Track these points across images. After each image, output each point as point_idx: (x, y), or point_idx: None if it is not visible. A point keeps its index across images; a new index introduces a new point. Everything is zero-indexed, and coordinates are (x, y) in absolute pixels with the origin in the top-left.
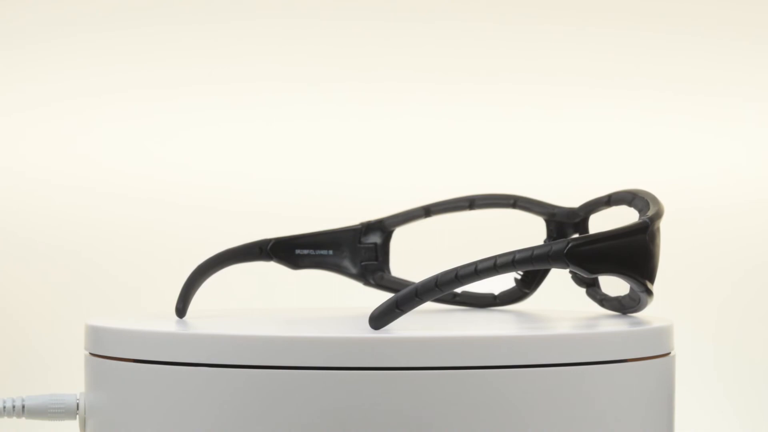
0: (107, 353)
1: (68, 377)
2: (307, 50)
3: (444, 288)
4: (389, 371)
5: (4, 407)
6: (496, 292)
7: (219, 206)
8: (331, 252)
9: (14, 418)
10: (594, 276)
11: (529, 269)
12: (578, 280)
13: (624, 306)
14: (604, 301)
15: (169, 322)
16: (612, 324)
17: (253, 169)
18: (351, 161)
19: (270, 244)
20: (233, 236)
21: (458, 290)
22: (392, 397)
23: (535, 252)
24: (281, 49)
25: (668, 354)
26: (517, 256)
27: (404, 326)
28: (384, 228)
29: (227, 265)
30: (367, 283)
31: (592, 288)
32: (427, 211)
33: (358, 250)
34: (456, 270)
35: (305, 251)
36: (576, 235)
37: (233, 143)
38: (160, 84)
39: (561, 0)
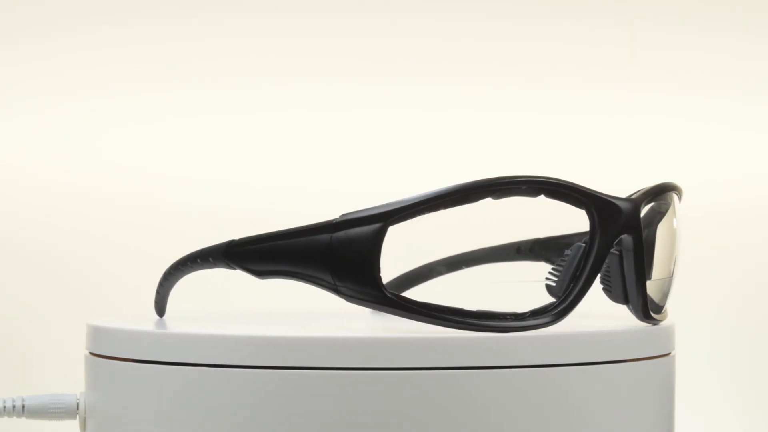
0: (107, 353)
1: (68, 377)
2: (301, 46)
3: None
4: (389, 371)
5: (4, 407)
6: None
7: (219, 206)
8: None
9: (14, 418)
10: (264, 279)
11: (204, 269)
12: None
13: None
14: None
15: (170, 322)
16: (612, 324)
17: (253, 168)
18: (350, 160)
19: (531, 243)
20: (233, 236)
21: None
22: (391, 397)
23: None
24: (281, 48)
25: (668, 354)
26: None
27: (405, 327)
28: None
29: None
30: None
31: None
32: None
33: None
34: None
35: None
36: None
37: (233, 143)
38: (160, 84)
39: None
